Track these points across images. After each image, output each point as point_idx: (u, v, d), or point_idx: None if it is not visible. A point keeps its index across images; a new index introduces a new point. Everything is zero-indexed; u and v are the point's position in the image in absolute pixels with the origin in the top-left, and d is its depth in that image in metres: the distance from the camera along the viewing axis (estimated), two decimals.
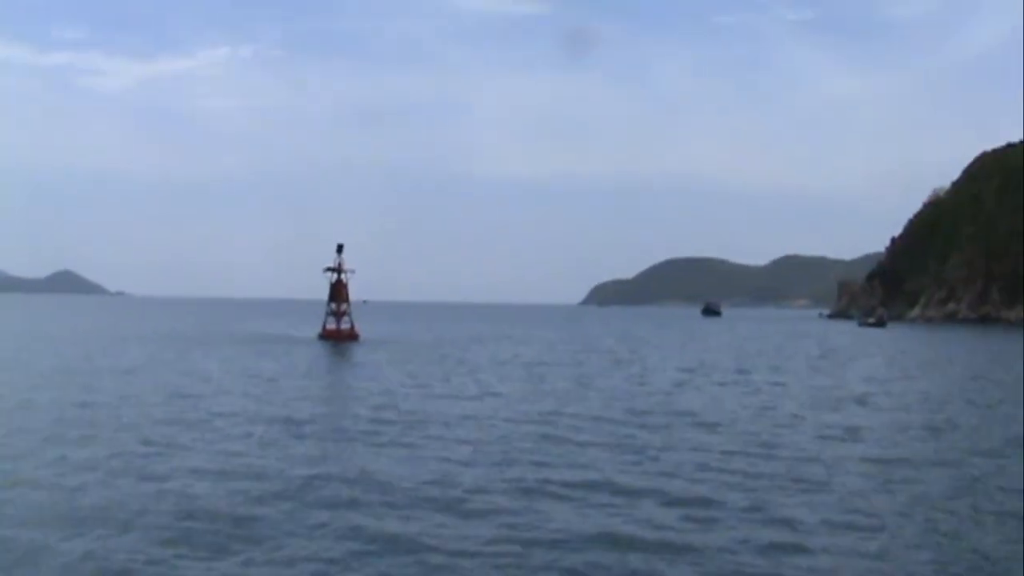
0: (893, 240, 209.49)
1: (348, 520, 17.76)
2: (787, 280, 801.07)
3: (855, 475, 22.90)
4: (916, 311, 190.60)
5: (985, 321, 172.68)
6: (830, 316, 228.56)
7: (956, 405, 38.84)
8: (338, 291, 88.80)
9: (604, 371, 56.23)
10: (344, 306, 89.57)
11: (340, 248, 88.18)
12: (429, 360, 64.37)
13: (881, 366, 64.41)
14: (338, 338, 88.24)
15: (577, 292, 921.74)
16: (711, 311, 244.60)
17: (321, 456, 24.74)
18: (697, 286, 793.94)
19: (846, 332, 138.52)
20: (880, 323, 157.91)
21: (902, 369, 61.21)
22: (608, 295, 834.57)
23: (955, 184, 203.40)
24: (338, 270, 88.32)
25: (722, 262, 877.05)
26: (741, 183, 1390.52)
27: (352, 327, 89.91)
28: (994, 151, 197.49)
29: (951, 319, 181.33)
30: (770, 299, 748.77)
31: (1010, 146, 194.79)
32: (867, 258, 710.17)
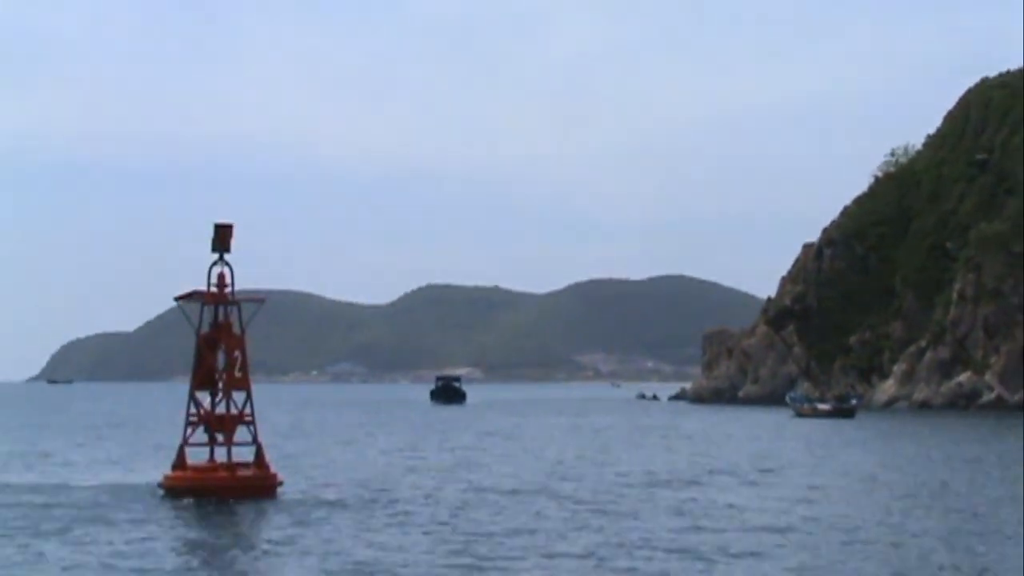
0: (813, 250, 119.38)
1: None
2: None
3: None
4: (889, 388, 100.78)
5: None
6: (681, 398, 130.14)
7: None
8: (212, 349, 31.17)
9: None
10: (236, 396, 31.19)
11: (223, 235, 31.08)
12: None
13: None
14: (214, 489, 30.06)
15: (34, 361, 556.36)
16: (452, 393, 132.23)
17: None
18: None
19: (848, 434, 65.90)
20: (846, 411, 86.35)
21: None
22: (79, 364, 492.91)
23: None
24: (218, 292, 31.06)
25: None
26: None
27: (261, 457, 31.14)
28: None
29: (962, 403, 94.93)
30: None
31: None
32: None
